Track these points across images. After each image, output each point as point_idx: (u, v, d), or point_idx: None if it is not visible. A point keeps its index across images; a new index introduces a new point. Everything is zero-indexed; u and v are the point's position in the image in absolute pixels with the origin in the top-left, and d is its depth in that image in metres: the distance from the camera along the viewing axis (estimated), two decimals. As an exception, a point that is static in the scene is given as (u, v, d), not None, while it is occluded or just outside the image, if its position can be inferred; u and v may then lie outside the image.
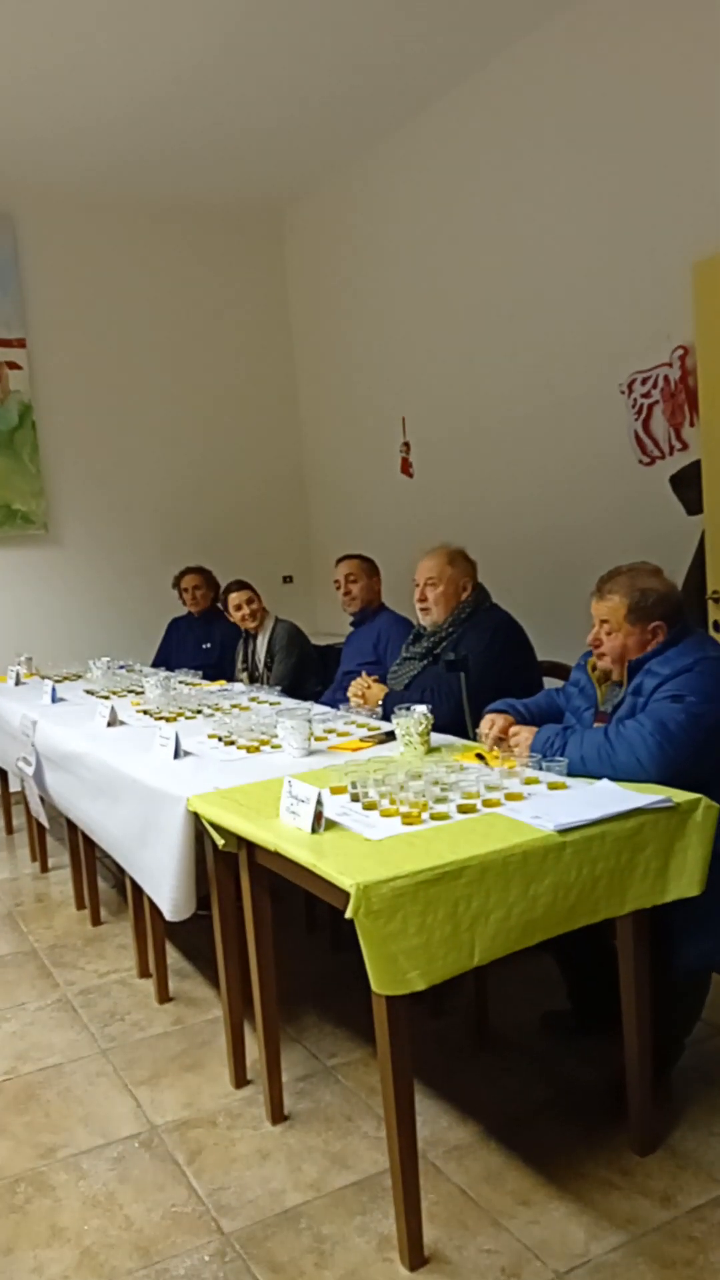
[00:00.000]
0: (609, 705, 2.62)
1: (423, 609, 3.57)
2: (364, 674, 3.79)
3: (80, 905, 4.09)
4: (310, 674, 4.86)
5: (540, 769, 2.44)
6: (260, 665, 4.89)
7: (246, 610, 4.89)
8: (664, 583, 2.59)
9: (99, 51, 4.33)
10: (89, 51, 4.32)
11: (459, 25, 4.37)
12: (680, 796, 2.20)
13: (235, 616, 4.96)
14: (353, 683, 3.72)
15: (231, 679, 4.82)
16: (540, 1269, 1.96)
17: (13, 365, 5.97)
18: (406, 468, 5.83)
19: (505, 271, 4.89)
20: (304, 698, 4.21)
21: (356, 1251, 2.05)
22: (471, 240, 5.09)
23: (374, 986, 1.87)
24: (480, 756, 2.64)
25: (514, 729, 2.66)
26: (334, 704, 3.81)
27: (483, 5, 4.21)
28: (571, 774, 2.40)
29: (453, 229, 5.22)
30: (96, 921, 3.95)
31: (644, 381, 4.21)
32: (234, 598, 4.94)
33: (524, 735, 2.59)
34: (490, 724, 2.74)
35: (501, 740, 2.69)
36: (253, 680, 4.84)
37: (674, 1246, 2.00)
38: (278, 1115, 2.53)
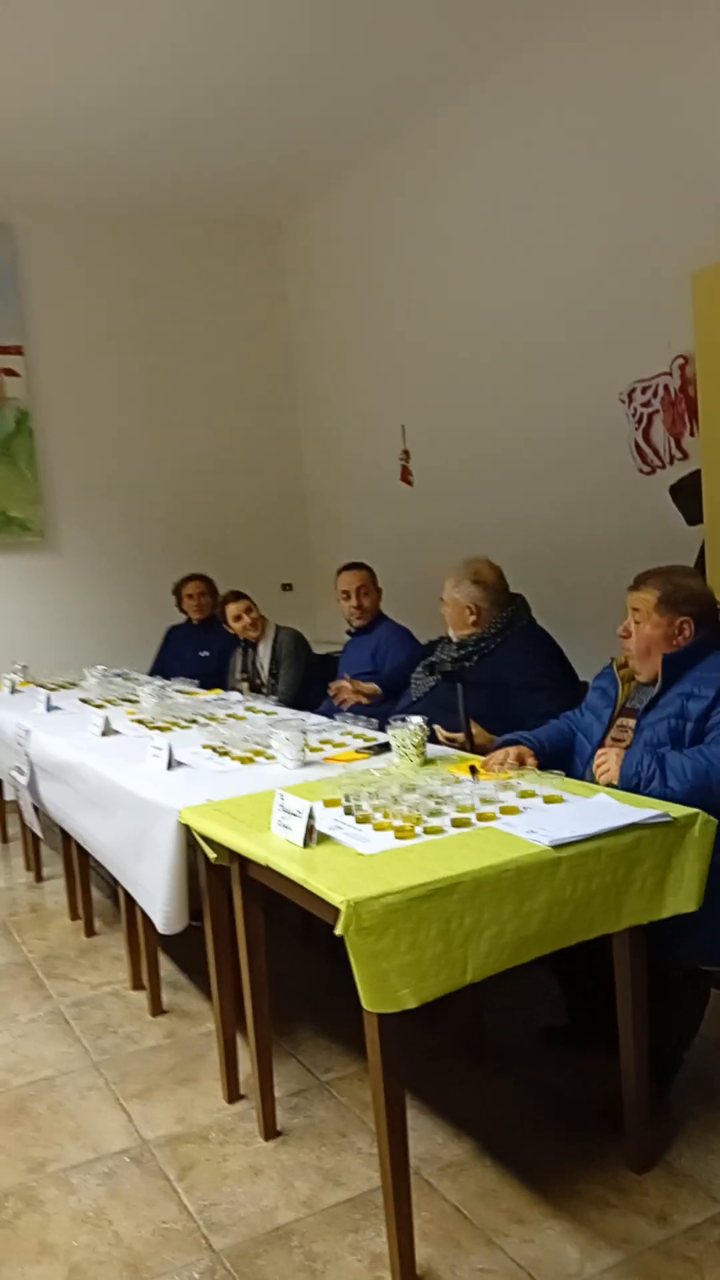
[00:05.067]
0: (637, 703, 2.63)
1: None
2: (347, 678, 3.79)
3: (74, 916, 4.06)
4: (313, 683, 4.83)
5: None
6: (264, 673, 4.85)
7: (247, 620, 4.86)
8: (699, 583, 2.68)
9: (96, 54, 4.33)
10: (85, 55, 4.32)
11: (457, 34, 4.35)
12: (678, 811, 2.18)
13: (235, 627, 4.91)
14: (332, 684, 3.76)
15: (228, 689, 4.79)
16: (534, 1290, 1.94)
17: (10, 372, 5.97)
18: (406, 476, 5.81)
19: (504, 280, 4.88)
20: (306, 706, 4.19)
21: (348, 1270, 2.02)
22: (470, 248, 5.08)
23: (365, 1004, 1.85)
24: (473, 770, 2.62)
25: (601, 752, 2.56)
26: (330, 714, 3.79)
27: (480, 15, 4.21)
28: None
29: (451, 237, 5.21)
30: (90, 932, 3.93)
31: (644, 390, 4.19)
32: (232, 608, 4.90)
33: (611, 759, 2.49)
34: (505, 756, 2.68)
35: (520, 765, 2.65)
36: (254, 689, 4.80)
37: (670, 1266, 1.97)
38: (270, 1131, 2.51)
